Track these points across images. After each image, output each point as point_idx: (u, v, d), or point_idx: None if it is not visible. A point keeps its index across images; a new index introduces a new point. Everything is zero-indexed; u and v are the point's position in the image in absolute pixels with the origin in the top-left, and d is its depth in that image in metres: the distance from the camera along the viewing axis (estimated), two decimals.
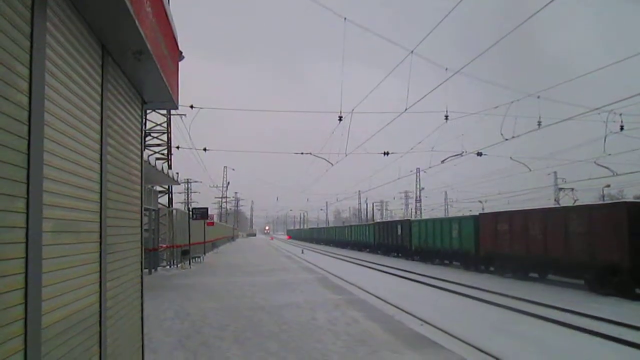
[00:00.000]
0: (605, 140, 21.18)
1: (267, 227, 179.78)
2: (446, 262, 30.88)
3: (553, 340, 10.29)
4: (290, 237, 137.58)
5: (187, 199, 67.36)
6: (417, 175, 70.65)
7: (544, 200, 45.89)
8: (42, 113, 2.92)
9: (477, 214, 29.11)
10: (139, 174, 5.81)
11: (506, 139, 19.90)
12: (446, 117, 20.47)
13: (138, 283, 5.83)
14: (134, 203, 5.54)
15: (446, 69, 16.10)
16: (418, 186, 73.37)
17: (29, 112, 2.76)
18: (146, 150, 23.18)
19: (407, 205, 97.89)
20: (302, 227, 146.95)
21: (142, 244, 5.96)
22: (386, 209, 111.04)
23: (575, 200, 24.92)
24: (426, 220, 34.78)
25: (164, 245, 24.53)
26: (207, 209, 30.92)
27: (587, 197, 36.66)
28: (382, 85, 18.19)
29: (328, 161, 26.63)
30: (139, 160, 5.82)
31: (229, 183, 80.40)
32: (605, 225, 17.05)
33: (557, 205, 24.06)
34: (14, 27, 2.60)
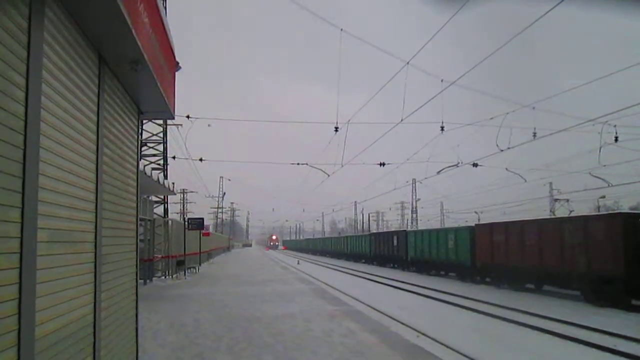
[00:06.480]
0: (600, 152, 21.31)
1: (274, 236, 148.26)
2: (442, 273, 30.82)
3: (549, 351, 10.26)
4: (285, 248, 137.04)
5: (183, 209, 67.08)
6: (413, 186, 70.72)
7: (540, 211, 46.07)
8: (39, 122, 2.92)
9: (473, 224, 29.12)
10: (135, 184, 5.80)
11: (502, 150, 20.01)
12: (442, 128, 20.56)
13: (133, 294, 5.80)
14: (130, 213, 5.53)
15: (442, 80, 16.21)
16: (414, 197, 73.52)
17: (25, 121, 2.76)
18: (142, 160, 23.11)
19: (403, 216, 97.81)
20: (297, 237, 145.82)
21: (137, 254, 5.93)
22: (382, 220, 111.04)
23: (570, 211, 25.01)
24: (422, 231, 34.75)
25: (160, 256, 24.41)
26: (202, 219, 30.79)
27: (583, 208, 36.75)
28: (378, 97, 18.29)
29: (324, 172, 26.60)
30: (135, 170, 5.81)
31: (224, 193, 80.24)
32: (601, 236, 17.08)
33: (553, 216, 24.11)
34: (11, 37, 2.61)
